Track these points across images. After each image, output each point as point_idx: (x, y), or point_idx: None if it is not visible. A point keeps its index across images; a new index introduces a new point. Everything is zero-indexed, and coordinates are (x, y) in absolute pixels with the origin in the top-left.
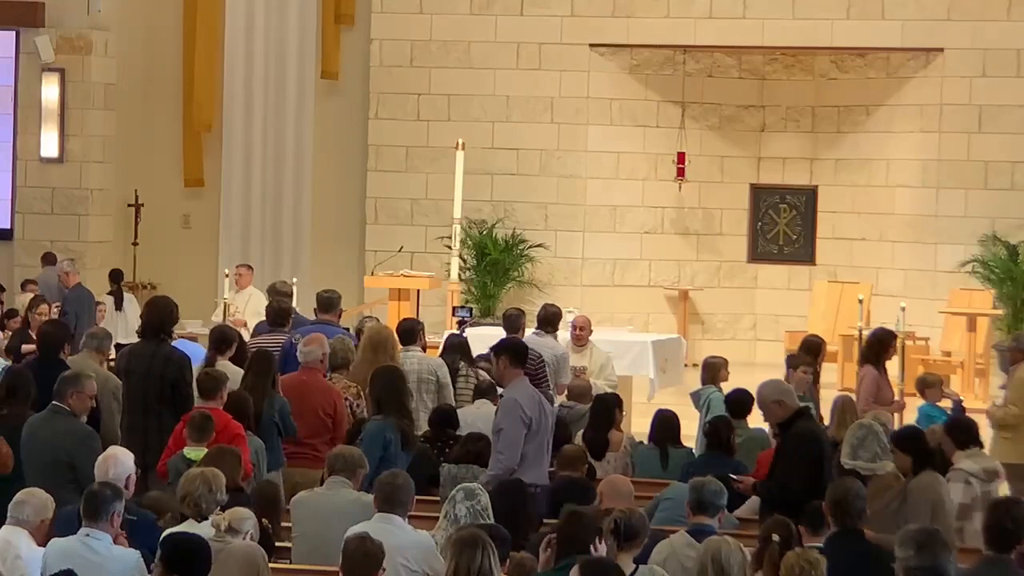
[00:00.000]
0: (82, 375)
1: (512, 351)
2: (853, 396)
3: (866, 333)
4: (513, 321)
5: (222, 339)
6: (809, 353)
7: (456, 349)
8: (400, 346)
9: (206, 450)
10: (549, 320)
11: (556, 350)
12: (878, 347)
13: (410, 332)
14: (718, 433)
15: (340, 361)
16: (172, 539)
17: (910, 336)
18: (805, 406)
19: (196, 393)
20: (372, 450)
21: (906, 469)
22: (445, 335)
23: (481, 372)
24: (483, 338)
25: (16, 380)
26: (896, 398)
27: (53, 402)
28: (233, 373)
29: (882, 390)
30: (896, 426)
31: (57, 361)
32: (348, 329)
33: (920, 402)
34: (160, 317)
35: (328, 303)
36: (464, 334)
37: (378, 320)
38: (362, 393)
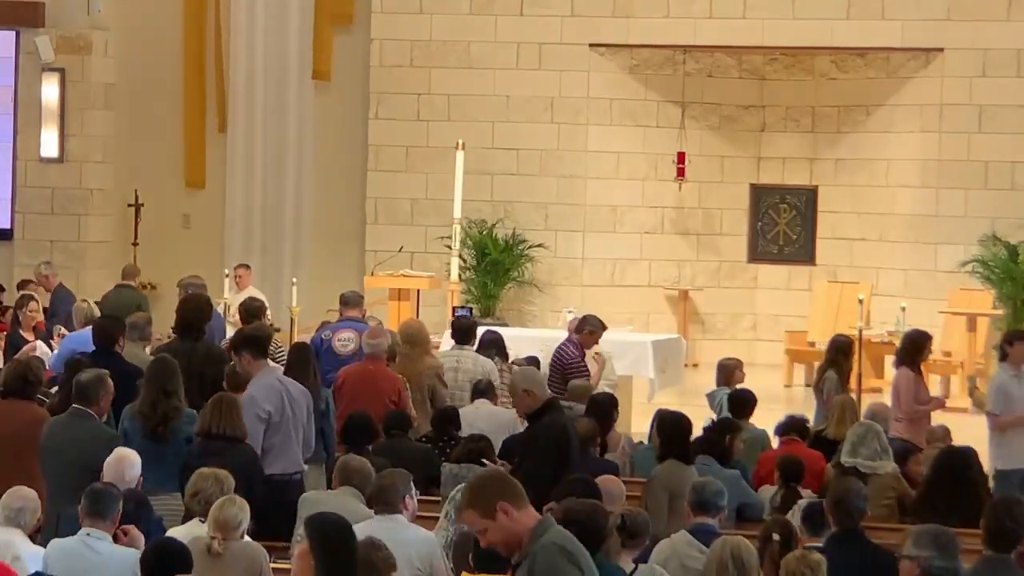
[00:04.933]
0: (105, 376)
1: (253, 344)
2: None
3: (867, 333)
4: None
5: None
6: (840, 353)
7: (492, 345)
8: (431, 340)
9: None
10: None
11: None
12: (913, 349)
13: (467, 331)
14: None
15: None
16: (154, 546)
17: None
18: (555, 397)
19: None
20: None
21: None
22: (481, 331)
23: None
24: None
25: None
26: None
27: (75, 404)
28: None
29: (919, 391)
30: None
31: (113, 354)
32: (380, 322)
33: None
34: (193, 315)
35: (353, 300)
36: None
37: (380, 322)
38: (408, 384)
